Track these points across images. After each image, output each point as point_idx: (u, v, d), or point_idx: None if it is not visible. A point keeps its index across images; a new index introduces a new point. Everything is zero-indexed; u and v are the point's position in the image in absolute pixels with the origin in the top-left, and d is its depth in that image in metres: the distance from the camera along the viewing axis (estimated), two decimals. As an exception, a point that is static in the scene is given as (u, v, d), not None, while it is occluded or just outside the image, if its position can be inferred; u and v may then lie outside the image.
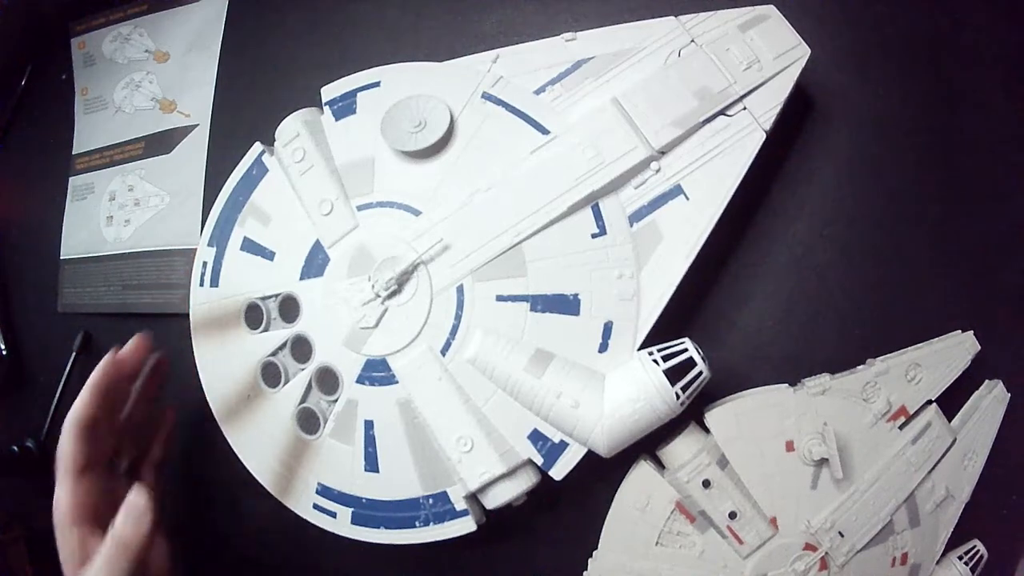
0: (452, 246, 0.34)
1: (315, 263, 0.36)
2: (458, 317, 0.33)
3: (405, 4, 0.44)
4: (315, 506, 0.36)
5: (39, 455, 0.46)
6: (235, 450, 0.37)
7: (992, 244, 0.38)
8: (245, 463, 0.37)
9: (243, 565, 0.44)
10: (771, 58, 0.34)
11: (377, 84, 0.37)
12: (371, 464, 0.34)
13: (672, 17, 0.35)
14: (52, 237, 0.50)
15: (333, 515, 0.35)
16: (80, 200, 0.50)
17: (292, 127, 0.37)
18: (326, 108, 0.38)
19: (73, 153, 0.51)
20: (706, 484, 0.33)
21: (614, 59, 0.35)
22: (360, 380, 0.35)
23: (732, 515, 0.33)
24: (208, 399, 0.38)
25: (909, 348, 0.35)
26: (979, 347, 0.35)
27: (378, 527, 0.35)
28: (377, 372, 0.34)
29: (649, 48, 0.35)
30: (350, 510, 0.35)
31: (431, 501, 0.34)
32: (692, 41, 0.35)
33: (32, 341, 0.51)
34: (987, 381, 0.37)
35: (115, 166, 0.49)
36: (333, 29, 0.46)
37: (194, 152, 0.47)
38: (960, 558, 0.35)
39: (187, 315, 0.39)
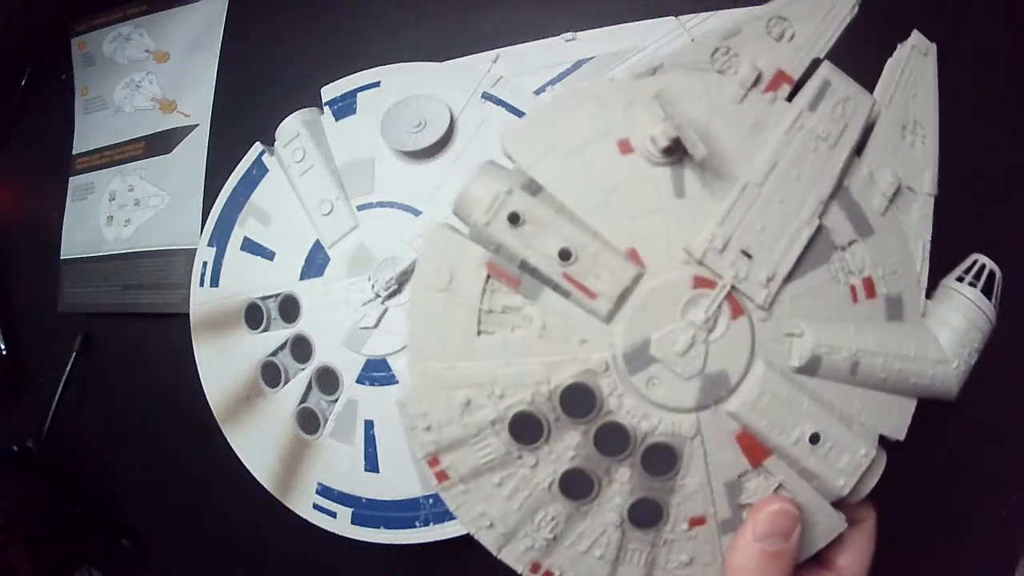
0: (452, 246, 0.34)
1: (315, 263, 0.36)
2: (458, 317, 0.33)
3: (405, 4, 0.44)
4: (315, 506, 0.36)
5: (39, 455, 0.46)
6: (235, 450, 0.37)
7: (993, 244, 0.38)
8: (245, 463, 0.37)
9: (243, 565, 0.44)
10: (771, 58, 0.34)
11: (377, 84, 0.37)
12: (371, 464, 0.34)
13: (672, 17, 0.35)
14: (52, 237, 0.50)
15: (333, 515, 0.35)
16: (80, 200, 0.50)
17: (292, 127, 0.37)
18: (326, 108, 0.38)
19: (73, 153, 0.51)
20: (513, 219, 0.22)
21: (614, 59, 0.35)
22: (360, 380, 0.35)
23: (565, 255, 0.22)
24: (208, 399, 0.38)
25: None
26: None
27: (378, 527, 0.35)
28: (377, 372, 0.34)
29: (649, 48, 0.35)
30: (350, 510, 0.35)
31: (431, 501, 0.34)
32: (692, 41, 0.35)
33: (32, 341, 0.51)
34: (900, 44, 0.28)
35: (115, 166, 0.49)
36: (333, 29, 0.46)
37: (194, 152, 0.47)
38: (960, 279, 0.26)
39: (187, 315, 0.39)
